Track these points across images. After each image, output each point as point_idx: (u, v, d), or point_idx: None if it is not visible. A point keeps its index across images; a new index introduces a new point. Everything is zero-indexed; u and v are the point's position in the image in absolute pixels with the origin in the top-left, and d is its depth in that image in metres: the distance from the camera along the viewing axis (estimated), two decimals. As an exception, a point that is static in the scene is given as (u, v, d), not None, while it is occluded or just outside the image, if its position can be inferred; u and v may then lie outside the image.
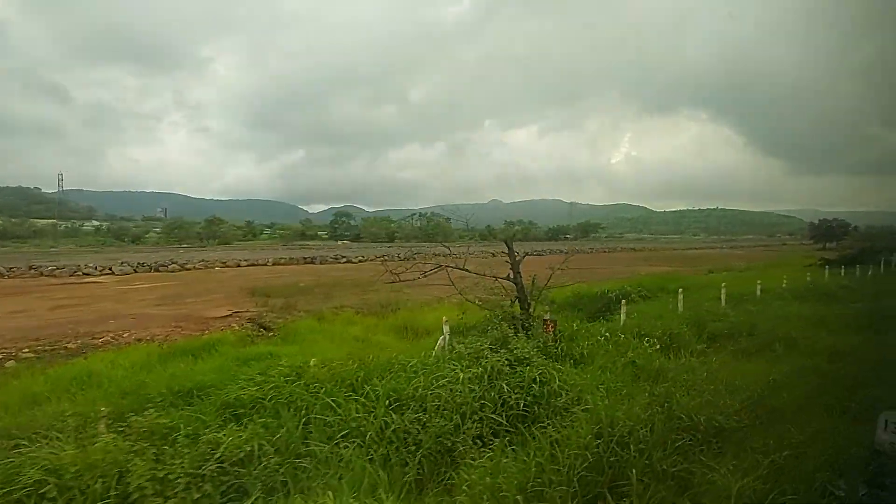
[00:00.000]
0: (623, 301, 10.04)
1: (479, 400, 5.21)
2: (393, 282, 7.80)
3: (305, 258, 34.08)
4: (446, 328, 7.76)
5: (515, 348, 6.30)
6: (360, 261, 34.79)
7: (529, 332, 7.52)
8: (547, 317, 9.14)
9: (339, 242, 61.59)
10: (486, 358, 5.81)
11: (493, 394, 5.31)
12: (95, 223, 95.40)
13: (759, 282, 13.39)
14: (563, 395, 5.27)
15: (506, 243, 8.22)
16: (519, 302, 7.98)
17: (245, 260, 31.77)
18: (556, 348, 7.11)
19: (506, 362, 5.93)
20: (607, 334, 8.10)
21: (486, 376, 5.58)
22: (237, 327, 12.67)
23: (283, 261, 32.35)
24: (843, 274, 17.52)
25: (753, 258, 43.70)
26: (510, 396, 5.27)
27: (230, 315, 14.26)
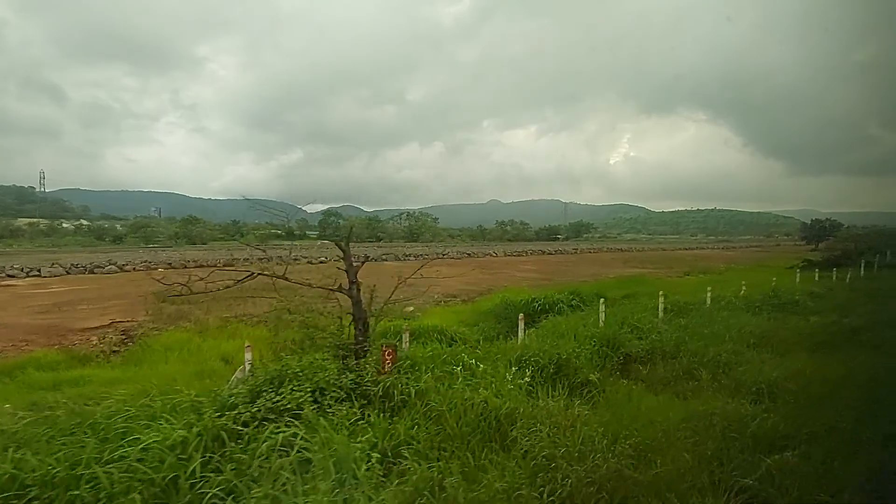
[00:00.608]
0: (521, 315, 8.17)
1: (158, 485, 3.42)
2: (180, 294, 5.95)
3: (260, 259, 32.11)
4: (248, 356, 5.95)
5: (282, 394, 4.48)
6: (321, 262, 32.96)
7: (360, 362, 5.70)
8: (406, 341, 7.33)
9: (318, 242, 59.69)
10: (206, 415, 3.99)
11: (183, 476, 3.50)
12: (83, 222, 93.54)
13: (709, 288, 11.50)
14: (280, 478, 3.43)
15: (338, 245, 6.37)
16: (354, 321, 6.13)
17: (194, 261, 30.01)
18: (378, 386, 5.23)
19: (248, 418, 4.12)
20: (473, 362, 6.27)
21: (195, 443, 3.77)
22: (97, 341, 10.90)
23: (235, 261, 30.55)
24: (817, 278, 15.59)
25: (740, 259, 41.73)
26: (207, 479, 3.46)
27: (106, 326, 12.47)
